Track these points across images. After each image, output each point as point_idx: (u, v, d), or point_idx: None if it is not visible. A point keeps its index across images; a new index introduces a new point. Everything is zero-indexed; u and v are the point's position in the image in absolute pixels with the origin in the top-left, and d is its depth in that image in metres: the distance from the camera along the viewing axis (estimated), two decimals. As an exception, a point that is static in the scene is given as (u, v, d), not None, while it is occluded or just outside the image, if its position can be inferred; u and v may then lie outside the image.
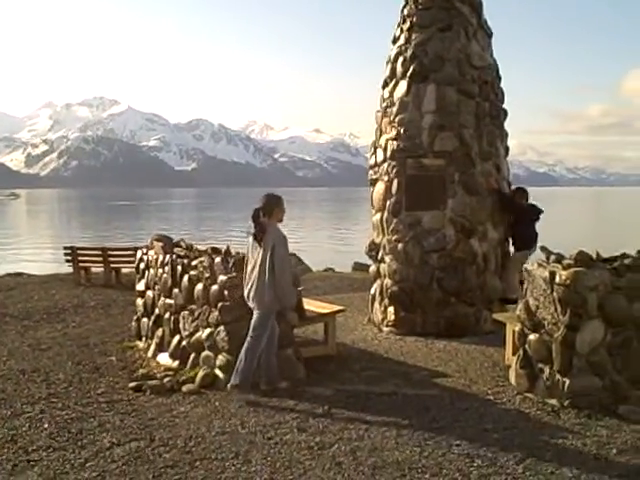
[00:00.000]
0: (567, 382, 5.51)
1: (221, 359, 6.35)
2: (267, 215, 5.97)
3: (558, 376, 5.58)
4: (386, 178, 8.85)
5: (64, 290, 12.98)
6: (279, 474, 4.32)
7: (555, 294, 5.59)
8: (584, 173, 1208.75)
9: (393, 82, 8.97)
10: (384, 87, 9.20)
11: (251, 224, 6.00)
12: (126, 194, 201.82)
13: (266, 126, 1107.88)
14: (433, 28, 8.65)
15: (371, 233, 9.33)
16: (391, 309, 8.67)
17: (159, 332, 7.51)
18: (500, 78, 9.08)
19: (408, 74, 8.69)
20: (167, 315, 7.38)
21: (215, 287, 6.51)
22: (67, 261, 14.75)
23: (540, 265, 5.93)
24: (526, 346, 5.94)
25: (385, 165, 8.88)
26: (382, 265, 8.95)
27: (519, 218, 8.81)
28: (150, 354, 7.59)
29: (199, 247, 7.64)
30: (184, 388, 6.20)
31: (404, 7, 9.02)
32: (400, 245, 8.62)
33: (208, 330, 6.56)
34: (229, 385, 5.90)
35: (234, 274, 6.35)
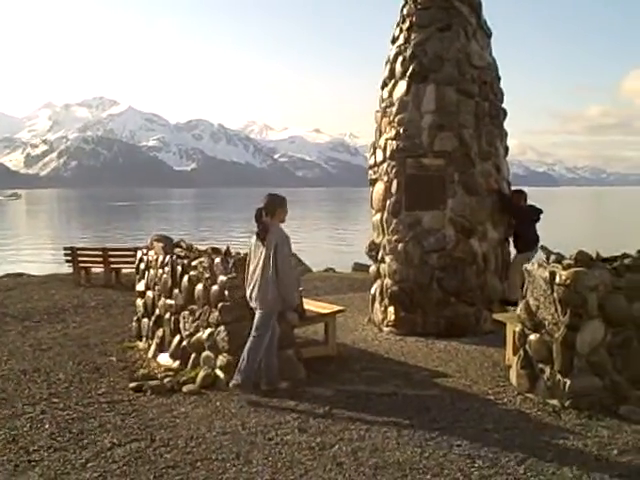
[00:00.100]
0: (568, 382, 5.51)
1: (221, 359, 6.35)
2: (270, 215, 5.99)
3: (559, 376, 5.58)
4: (386, 178, 8.85)
5: (64, 290, 12.98)
6: (280, 474, 4.32)
7: (555, 294, 5.59)
8: (584, 173, 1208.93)
9: (392, 82, 8.97)
10: (383, 87, 9.21)
11: (254, 224, 6.03)
12: (126, 194, 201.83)
13: (265, 126, 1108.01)
14: (432, 28, 8.66)
15: (371, 233, 9.33)
16: (391, 309, 8.68)
17: (159, 332, 7.51)
18: (500, 78, 9.09)
19: (407, 74, 8.69)
20: (167, 315, 7.38)
21: (215, 287, 6.51)
22: (67, 261, 14.76)
23: (540, 265, 5.93)
24: (526, 346, 5.94)
25: (385, 165, 8.89)
26: (382, 265, 8.95)
27: (519, 220, 8.81)
28: (150, 354, 7.59)
29: (199, 247, 7.65)
30: (185, 388, 6.20)
31: (403, 7, 9.02)
32: (400, 245, 8.62)
33: (208, 330, 6.56)
34: (231, 384, 5.90)
35: (234, 274, 6.35)
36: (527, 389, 5.89)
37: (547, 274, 5.68)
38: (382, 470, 4.36)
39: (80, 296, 12.24)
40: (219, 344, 6.39)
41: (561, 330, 5.54)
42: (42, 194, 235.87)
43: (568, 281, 5.48)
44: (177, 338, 7.10)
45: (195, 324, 6.80)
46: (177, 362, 7.01)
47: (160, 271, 7.59)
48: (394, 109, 8.81)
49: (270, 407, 5.66)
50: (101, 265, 14.36)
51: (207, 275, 6.65)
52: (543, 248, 6.49)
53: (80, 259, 14.44)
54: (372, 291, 9.24)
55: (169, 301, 7.34)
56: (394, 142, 8.72)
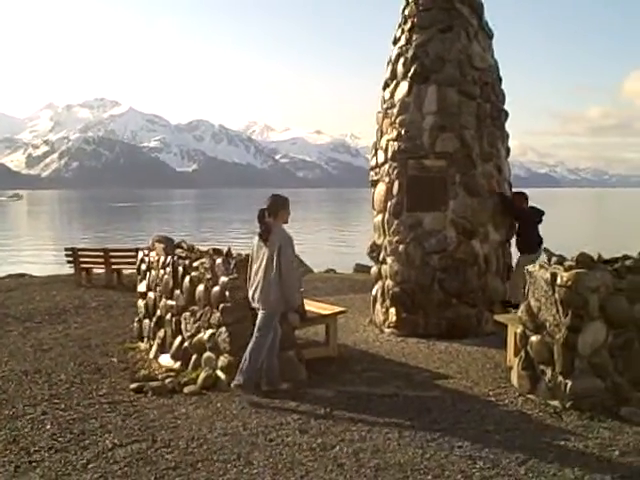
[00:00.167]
0: (569, 384, 5.50)
1: (223, 360, 6.35)
2: (272, 216, 6.00)
3: (560, 378, 5.58)
4: (387, 179, 8.85)
5: (65, 291, 12.99)
6: (281, 475, 4.32)
7: (557, 295, 5.59)
8: (585, 174, 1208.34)
9: (394, 83, 8.98)
10: (385, 88, 9.21)
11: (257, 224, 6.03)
12: (127, 195, 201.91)
13: (267, 127, 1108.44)
14: (434, 29, 8.66)
15: (372, 234, 9.33)
16: (392, 310, 8.67)
17: (161, 333, 7.52)
18: (501, 79, 9.09)
19: (409, 75, 8.69)
20: (169, 316, 7.38)
21: (216, 288, 6.51)
22: (68, 262, 14.76)
23: (542, 266, 5.93)
24: (528, 347, 5.94)
25: (386, 166, 8.89)
26: (383, 266, 8.95)
27: (521, 222, 8.81)
28: (152, 355, 7.59)
29: (200, 248, 7.64)
30: (186, 389, 6.20)
31: (405, 8, 9.03)
32: (401, 246, 8.62)
33: (210, 331, 6.57)
34: (232, 384, 5.90)
35: (235, 275, 6.35)
36: (528, 390, 5.89)
37: (548, 275, 5.68)
38: (383, 471, 4.36)
39: (81, 297, 12.24)
40: (220, 345, 6.40)
41: (562, 331, 5.54)
42: (43, 195, 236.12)
43: (569, 282, 5.48)
44: (178, 339, 7.10)
45: (196, 325, 6.80)
46: (178, 363, 7.02)
47: (161, 272, 7.59)
48: (395, 110, 8.81)
49: (271, 408, 5.66)
50: (102, 266, 14.36)
51: (208, 276, 6.66)
52: (544, 249, 6.49)
53: (81, 260, 14.45)
54: (373, 292, 9.24)
55: (170, 302, 7.34)
56: (395, 143, 8.72)
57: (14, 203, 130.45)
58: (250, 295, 6.07)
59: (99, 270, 14.67)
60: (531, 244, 8.60)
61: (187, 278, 7.01)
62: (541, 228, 8.89)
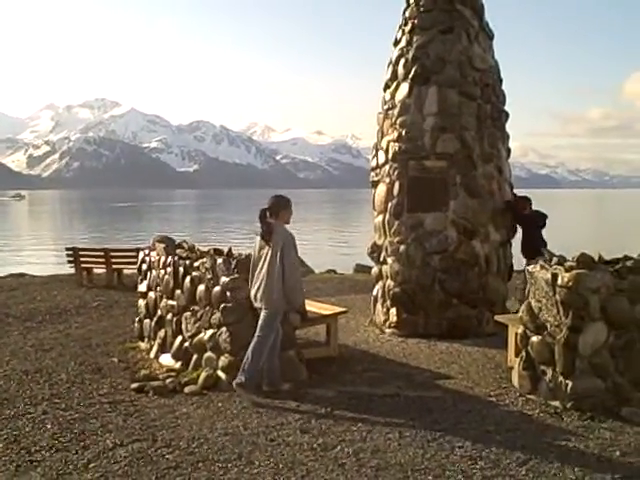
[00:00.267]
0: (570, 384, 5.50)
1: (223, 360, 6.35)
2: (274, 216, 6.00)
3: (561, 378, 5.58)
4: (388, 180, 8.85)
5: (66, 291, 13.00)
6: (282, 475, 4.32)
7: (557, 296, 5.59)
8: (586, 175, 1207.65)
9: (395, 84, 8.98)
10: (385, 89, 9.21)
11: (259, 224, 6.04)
12: (128, 195, 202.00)
13: (267, 128, 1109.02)
14: (434, 30, 8.67)
15: (373, 235, 9.33)
16: (393, 311, 8.68)
17: (161, 333, 7.52)
18: (501, 80, 9.09)
19: (410, 76, 8.70)
20: (169, 316, 7.38)
21: (217, 288, 6.51)
22: (69, 262, 14.77)
23: (542, 267, 5.93)
24: (528, 348, 5.93)
25: (387, 167, 8.89)
26: (384, 267, 8.96)
27: (525, 227, 8.82)
28: (152, 355, 7.60)
29: (201, 248, 7.65)
30: (186, 389, 6.21)
31: (405, 9, 9.03)
32: (402, 247, 8.62)
33: (210, 331, 6.57)
34: (234, 383, 5.90)
35: (236, 275, 6.36)
36: (529, 391, 5.89)
37: (549, 276, 5.68)
38: (384, 471, 4.36)
39: (82, 297, 12.25)
40: (221, 345, 6.40)
41: (563, 332, 5.54)
42: (44, 195, 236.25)
43: (570, 283, 5.48)
44: (179, 339, 7.11)
45: (197, 325, 6.81)
46: (179, 363, 7.02)
47: (162, 272, 7.59)
48: (396, 111, 8.82)
49: (272, 408, 5.66)
50: (103, 266, 14.37)
51: (209, 276, 6.66)
52: (545, 250, 6.49)
53: (82, 260, 14.46)
54: (374, 292, 9.25)
55: (171, 302, 7.35)
56: (396, 144, 8.73)
57: (16, 203, 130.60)
58: (252, 295, 6.07)
59: (100, 270, 14.68)
60: (536, 249, 8.58)
61: (188, 278, 7.01)
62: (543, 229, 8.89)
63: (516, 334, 6.43)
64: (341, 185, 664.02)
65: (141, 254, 8.65)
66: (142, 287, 8.36)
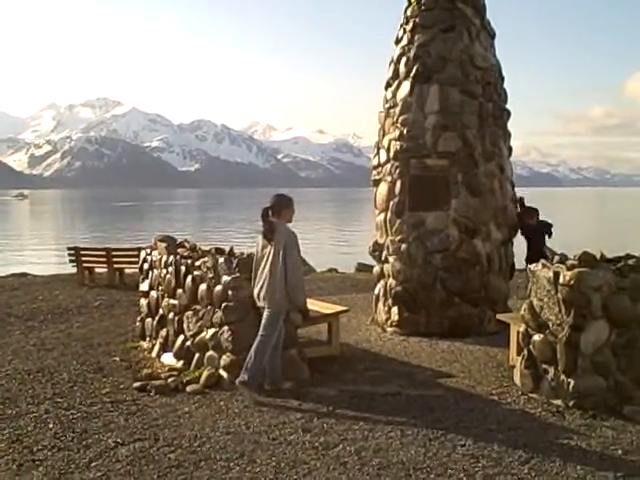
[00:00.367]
0: (572, 382, 5.50)
1: (225, 359, 6.35)
2: (276, 215, 6.01)
3: (563, 376, 5.57)
4: (389, 179, 8.85)
5: (68, 290, 13.01)
6: (284, 474, 4.33)
7: (559, 295, 5.58)
8: (588, 174, 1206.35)
9: (396, 83, 8.97)
10: (387, 88, 9.20)
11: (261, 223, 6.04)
12: (129, 195, 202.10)
13: (269, 127, 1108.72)
14: (436, 29, 8.66)
15: (374, 234, 9.33)
16: (395, 309, 8.67)
17: (163, 332, 7.52)
18: (503, 78, 9.08)
19: (411, 75, 8.69)
20: (171, 315, 7.39)
21: (219, 287, 6.51)
22: (71, 261, 14.78)
23: (544, 266, 5.92)
24: (530, 346, 5.93)
25: (388, 166, 8.89)
26: (386, 265, 8.95)
27: (532, 238, 8.86)
28: (154, 354, 7.60)
29: (202, 247, 7.65)
30: (188, 388, 6.21)
31: (407, 8, 9.03)
32: (403, 245, 8.62)
33: (212, 330, 6.57)
34: (237, 381, 5.90)
35: (238, 274, 6.36)
36: (531, 389, 5.89)
37: (551, 274, 5.67)
38: (386, 470, 4.36)
39: (84, 296, 12.27)
40: (223, 344, 6.40)
41: (565, 330, 5.53)
42: (46, 194, 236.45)
43: (572, 281, 5.47)
44: (181, 338, 7.11)
45: (199, 324, 6.81)
46: (181, 362, 7.02)
47: (164, 271, 7.60)
48: (398, 110, 8.81)
49: (274, 407, 5.67)
50: (105, 265, 14.38)
51: (211, 275, 6.66)
52: (547, 249, 6.49)
53: (84, 259, 14.47)
54: (376, 291, 9.24)
55: (173, 301, 7.35)
56: (398, 143, 8.72)
57: (18, 202, 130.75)
58: (255, 294, 6.07)
59: (102, 269, 14.69)
60: (542, 258, 8.61)
61: (189, 277, 7.02)
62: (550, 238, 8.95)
63: (518, 333, 6.43)
64: (342, 184, 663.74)
65: (143, 253, 8.65)
66: (144, 286, 8.36)
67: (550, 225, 8.95)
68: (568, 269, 5.61)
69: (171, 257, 7.48)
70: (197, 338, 6.80)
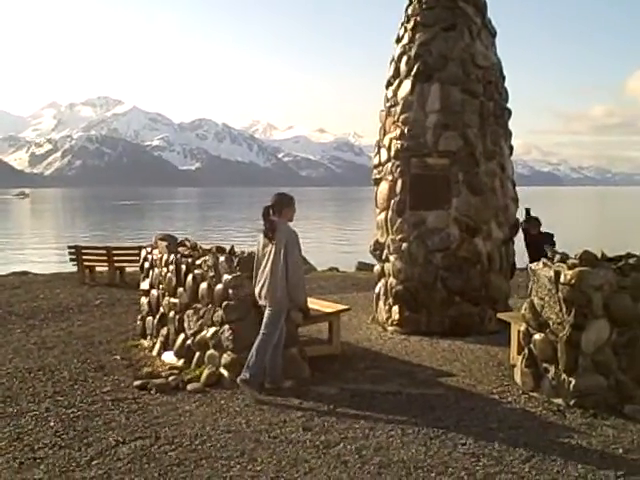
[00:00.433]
0: (572, 381, 5.50)
1: (226, 358, 6.36)
2: (277, 214, 6.01)
3: (563, 375, 5.57)
4: (390, 177, 8.84)
5: (69, 289, 13.02)
6: (284, 472, 4.33)
7: (560, 294, 5.58)
8: (588, 173, 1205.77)
9: (397, 81, 8.97)
10: (388, 86, 9.20)
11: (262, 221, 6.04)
12: (130, 193, 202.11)
13: (270, 126, 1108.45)
14: (437, 27, 8.65)
15: (375, 232, 9.33)
16: (395, 308, 8.67)
17: (164, 331, 7.53)
18: (504, 77, 9.07)
19: (412, 73, 8.69)
20: (172, 314, 7.39)
21: (220, 286, 6.51)
22: (72, 260, 14.78)
23: (545, 265, 5.92)
24: (531, 345, 5.93)
25: (389, 164, 8.88)
26: (386, 264, 8.95)
27: (534, 248, 8.89)
28: (155, 353, 7.61)
29: (203, 246, 7.66)
30: (189, 387, 6.22)
31: (408, 6, 9.02)
32: (404, 244, 8.62)
33: (213, 329, 6.57)
34: (239, 379, 5.90)
35: (238, 273, 6.36)
36: (532, 388, 5.89)
37: (552, 273, 5.67)
38: (386, 468, 4.37)
39: (84, 295, 12.27)
40: (223, 343, 6.40)
41: (566, 329, 5.53)
42: (46, 193, 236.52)
43: (573, 280, 5.47)
44: (181, 336, 7.12)
45: (199, 323, 6.81)
46: (181, 360, 7.03)
47: (164, 270, 7.60)
48: (398, 108, 8.81)
49: (274, 405, 5.67)
50: (105, 264, 14.38)
51: (211, 274, 6.66)
52: (548, 248, 6.49)
53: (85, 258, 14.47)
54: (376, 290, 9.24)
55: (173, 300, 7.36)
56: (398, 141, 8.72)
57: (19, 201, 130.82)
58: (257, 292, 6.07)
59: (102, 268, 14.69)
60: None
61: (190, 276, 7.02)
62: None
63: (519, 332, 6.42)
64: (343, 183, 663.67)
65: (143, 252, 8.65)
66: (144, 285, 8.37)
67: (552, 236, 9.00)
68: (569, 268, 5.61)
69: (172, 256, 7.48)
70: (198, 337, 6.80)
